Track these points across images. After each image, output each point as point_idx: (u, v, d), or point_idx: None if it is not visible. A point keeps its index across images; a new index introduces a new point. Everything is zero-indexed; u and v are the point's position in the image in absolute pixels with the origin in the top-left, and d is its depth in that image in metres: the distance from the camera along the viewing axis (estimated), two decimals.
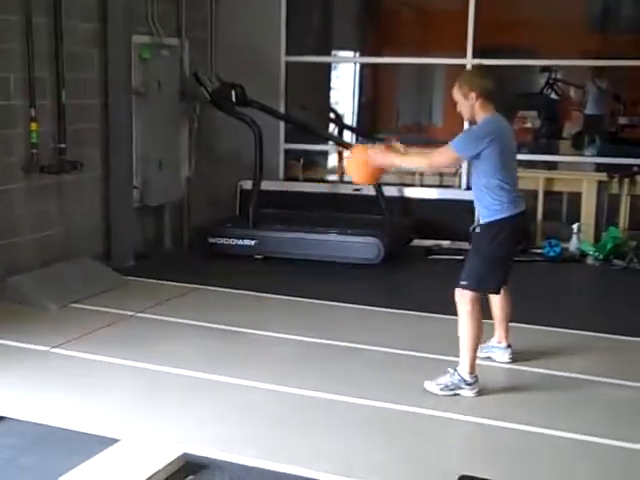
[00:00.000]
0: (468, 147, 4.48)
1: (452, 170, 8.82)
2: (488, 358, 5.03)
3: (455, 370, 4.57)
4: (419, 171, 4.57)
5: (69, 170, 6.83)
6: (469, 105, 4.50)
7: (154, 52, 7.83)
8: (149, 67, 7.74)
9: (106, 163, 7.35)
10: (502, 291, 4.87)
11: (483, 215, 4.63)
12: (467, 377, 4.54)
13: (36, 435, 3.96)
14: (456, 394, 4.53)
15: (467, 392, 4.54)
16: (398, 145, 4.83)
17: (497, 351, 5.08)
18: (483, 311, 4.67)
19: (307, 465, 3.67)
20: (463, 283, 4.58)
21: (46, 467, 3.60)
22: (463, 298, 4.57)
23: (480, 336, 4.61)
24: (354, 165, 4.97)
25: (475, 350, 4.59)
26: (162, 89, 7.98)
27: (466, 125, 4.72)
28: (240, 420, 4.20)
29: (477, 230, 4.71)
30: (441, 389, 4.54)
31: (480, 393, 4.56)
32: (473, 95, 4.47)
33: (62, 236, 6.92)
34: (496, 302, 4.93)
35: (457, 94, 4.54)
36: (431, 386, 4.57)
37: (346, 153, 4.78)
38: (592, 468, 3.78)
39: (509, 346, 5.07)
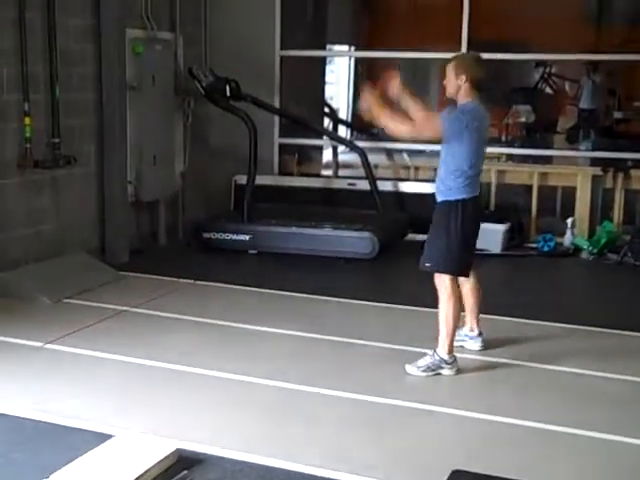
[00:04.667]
0: (457, 137, 4.60)
1: None
2: (460, 347, 5.15)
3: (435, 351, 4.79)
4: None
5: (63, 165, 6.82)
6: (456, 85, 4.67)
7: (148, 47, 7.81)
8: (143, 62, 7.72)
9: (100, 158, 7.33)
10: (471, 280, 5.05)
11: (440, 193, 4.80)
12: (446, 357, 4.78)
13: (30, 431, 3.95)
14: (437, 374, 4.76)
15: (447, 371, 4.79)
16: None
17: (469, 340, 5.24)
18: None
19: (299, 460, 3.68)
20: (427, 265, 4.81)
21: (39, 463, 3.59)
22: (441, 282, 4.78)
23: (458, 318, 4.82)
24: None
25: (454, 331, 4.83)
26: (156, 84, 7.96)
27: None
28: (233, 415, 4.21)
29: (436, 208, 4.85)
30: (423, 370, 4.76)
31: (459, 372, 4.80)
32: (463, 77, 4.64)
33: (56, 231, 6.91)
34: (466, 291, 5.10)
35: (450, 71, 4.71)
36: (412, 369, 4.78)
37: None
38: (576, 458, 3.79)
39: (480, 334, 5.23)
